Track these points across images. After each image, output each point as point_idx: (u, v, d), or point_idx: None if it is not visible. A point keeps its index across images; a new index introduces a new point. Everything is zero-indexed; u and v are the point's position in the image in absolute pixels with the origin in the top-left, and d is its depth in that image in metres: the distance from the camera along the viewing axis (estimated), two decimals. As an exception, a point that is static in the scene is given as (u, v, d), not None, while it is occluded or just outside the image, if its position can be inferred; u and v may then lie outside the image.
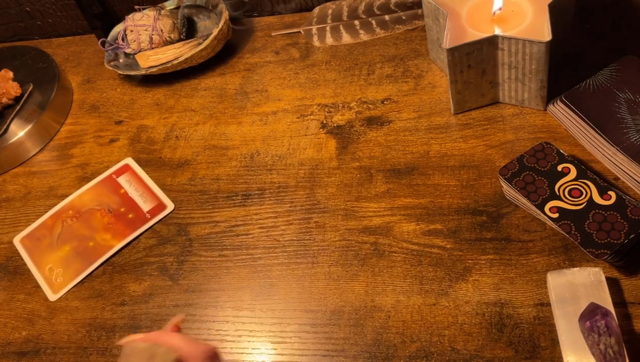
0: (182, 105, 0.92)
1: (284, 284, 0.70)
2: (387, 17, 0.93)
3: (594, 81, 0.74)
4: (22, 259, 0.81)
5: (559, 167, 0.68)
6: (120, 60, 0.98)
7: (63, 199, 0.85)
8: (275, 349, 0.66)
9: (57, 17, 1.08)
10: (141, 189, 0.83)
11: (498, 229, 0.68)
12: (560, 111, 0.74)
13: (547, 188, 0.67)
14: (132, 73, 0.95)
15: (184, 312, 0.71)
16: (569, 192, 0.66)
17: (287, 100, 0.88)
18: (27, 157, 0.93)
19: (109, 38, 1.00)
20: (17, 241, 0.82)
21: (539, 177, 0.68)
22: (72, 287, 0.76)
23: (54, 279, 0.78)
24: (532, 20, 0.73)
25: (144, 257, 0.77)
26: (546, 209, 0.65)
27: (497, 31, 0.73)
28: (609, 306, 0.58)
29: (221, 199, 0.80)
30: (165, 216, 0.80)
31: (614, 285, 0.62)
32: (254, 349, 0.67)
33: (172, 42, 0.95)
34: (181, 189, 0.82)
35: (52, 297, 0.76)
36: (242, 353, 0.67)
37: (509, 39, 0.71)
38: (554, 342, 0.60)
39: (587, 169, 0.67)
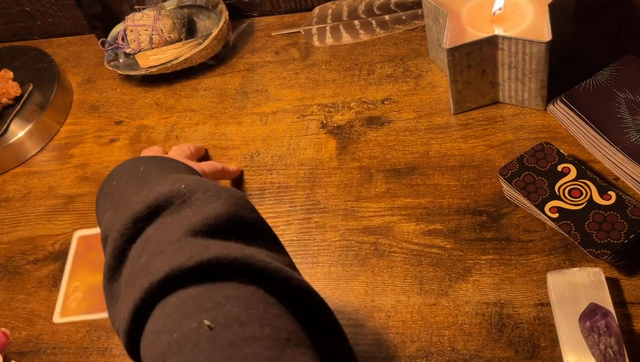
0: (182, 105, 0.92)
1: (284, 284, 0.70)
2: (387, 17, 0.93)
3: (594, 81, 0.74)
4: (23, 259, 0.80)
5: (559, 167, 0.68)
6: (120, 60, 0.98)
7: (63, 199, 0.85)
8: (275, 349, 0.66)
9: (57, 17, 1.08)
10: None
11: (498, 229, 0.68)
12: (560, 111, 0.74)
13: (547, 188, 0.67)
14: (132, 73, 0.95)
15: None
16: (569, 192, 0.66)
17: (287, 100, 0.88)
18: (27, 157, 0.93)
19: (109, 38, 1.00)
20: (76, 236, 0.80)
21: (539, 177, 0.68)
22: (76, 321, 0.73)
23: (70, 301, 0.74)
24: (532, 20, 0.73)
25: (144, 257, 0.77)
26: (546, 209, 0.65)
27: (497, 31, 0.73)
28: (609, 306, 0.58)
29: (221, 199, 0.79)
30: (165, 216, 0.80)
31: (614, 285, 0.62)
32: (254, 349, 0.67)
33: (172, 42, 0.95)
34: (181, 189, 0.82)
35: (57, 318, 0.73)
36: (242, 353, 0.67)
37: (509, 39, 0.71)
38: (554, 342, 0.60)
39: (587, 169, 0.67)
